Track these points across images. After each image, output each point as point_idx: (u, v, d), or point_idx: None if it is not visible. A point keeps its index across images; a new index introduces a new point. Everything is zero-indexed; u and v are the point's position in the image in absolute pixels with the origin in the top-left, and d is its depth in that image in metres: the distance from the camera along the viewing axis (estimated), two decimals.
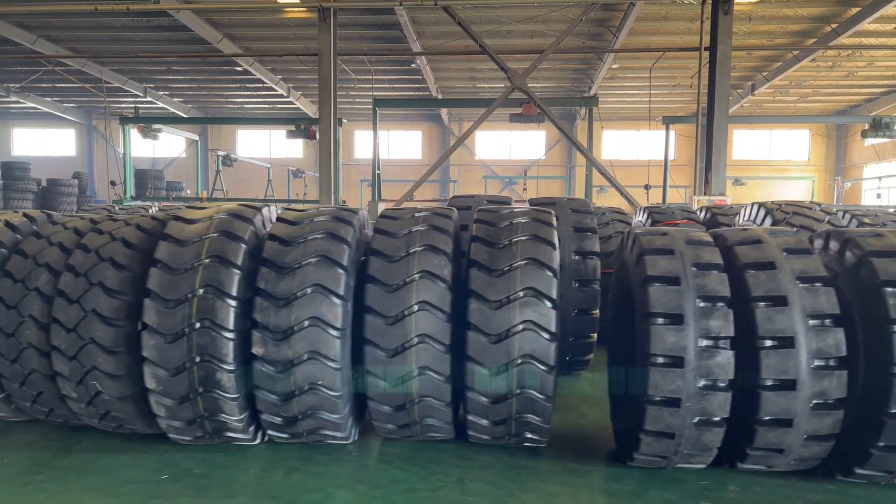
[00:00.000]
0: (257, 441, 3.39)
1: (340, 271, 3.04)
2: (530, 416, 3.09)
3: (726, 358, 2.73)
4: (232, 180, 31.80)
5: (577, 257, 4.71)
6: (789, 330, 2.71)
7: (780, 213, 4.77)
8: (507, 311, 2.99)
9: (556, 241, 3.19)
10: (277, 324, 2.97)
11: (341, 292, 3.02)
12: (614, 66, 25.25)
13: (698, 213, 6.36)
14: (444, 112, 34.58)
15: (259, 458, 3.30)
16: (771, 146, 36.71)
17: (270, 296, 3.01)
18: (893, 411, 2.63)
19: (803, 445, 2.80)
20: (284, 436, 3.27)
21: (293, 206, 5.82)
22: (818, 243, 3.21)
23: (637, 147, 37.01)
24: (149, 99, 28.90)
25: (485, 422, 3.15)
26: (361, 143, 37.11)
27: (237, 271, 3.05)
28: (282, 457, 3.30)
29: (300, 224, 3.23)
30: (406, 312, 3.02)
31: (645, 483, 3.04)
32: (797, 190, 35.04)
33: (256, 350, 3.00)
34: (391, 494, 2.90)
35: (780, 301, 2.76)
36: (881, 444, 2.69)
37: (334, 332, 2.99)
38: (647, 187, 24.60)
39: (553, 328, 2.98)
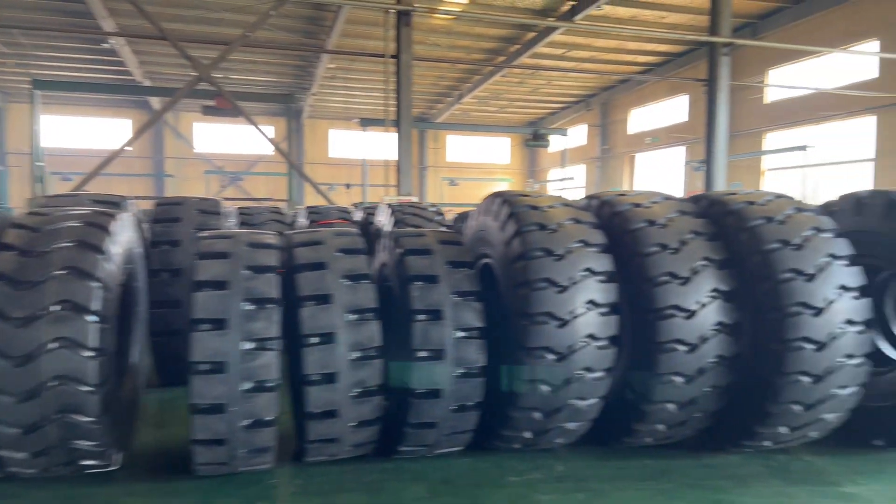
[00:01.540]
0: None
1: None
2: (80, 441, 2.81)
3: (269, 359, 2.78)
4: None
5: None
6: (330, 326, 2.87)
7: (399, 214, 5.21)
8: (34, 328, 2.65)
9: (107, 246, 2.94)
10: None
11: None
12: (331, 65, 25.58)
13: (356, 213, 6.63)
14: (155, 100, 31.43)
15: None
16: (480, 150, 40.84)
17: None
18: (419, 392, 2.95)
19: (353, 432, 3.00)
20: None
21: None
22: (384, 243, 3.48)
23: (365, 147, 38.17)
24: None
25: (22, 455, 2.78)
26: (205, 134, 32.81)
27: None
28: None
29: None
30: None
31: (209, 492, 2.98)
32: (503, 188, 39.59)
33: None
34: None
35: (324, 299, 2.91)
36: (413, 421, 3.02)
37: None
38: (347, 186, 25.69)
39: (95, 343, 2.73)
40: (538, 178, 40.00)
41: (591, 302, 2.97)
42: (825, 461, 3.36)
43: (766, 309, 2.99)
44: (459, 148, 40.10)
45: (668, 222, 3.19)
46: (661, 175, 28.97)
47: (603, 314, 2.99)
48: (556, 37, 22.77)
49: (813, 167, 20.39)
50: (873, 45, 18.19)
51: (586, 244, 3.08)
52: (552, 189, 36.88)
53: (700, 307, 2.98)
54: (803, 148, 18.67)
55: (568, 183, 36.39)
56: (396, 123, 12.32)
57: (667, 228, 3.16)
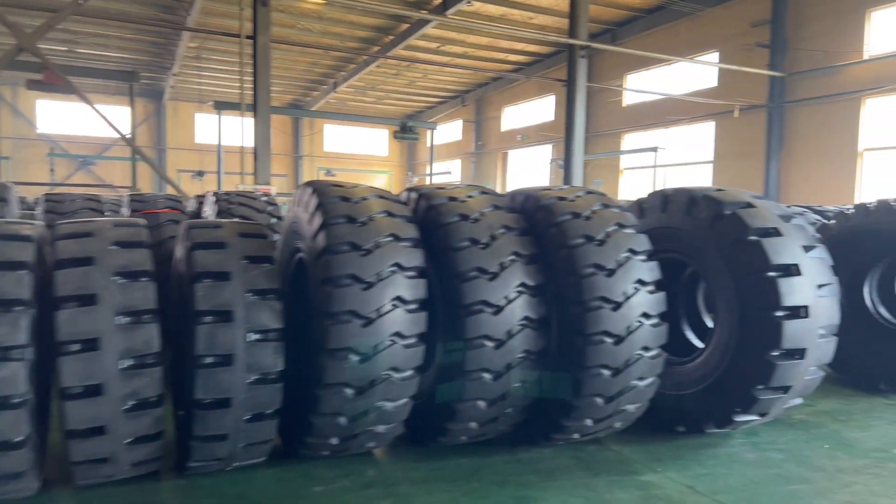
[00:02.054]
0: None
1: None
2: None
3: (13, 370, 2.38)
4: None
5: None
6: (94, 331, 2.50)
7: (224, 203, 4.83)
8: None
9: None
10: None
11: None
12: (192, 44, 23.96)
13: (189, 202, 6.10)
14: None
15: None
16: (359, 142, 40.21)
17: None
18: (198, 399, 2.67)
19: (129, 449, 2.66)
20: None
21: None
22: (179, 235, 3.14)
23: (241, 133, 36.28)
24: None
25: None
26: (50, 113, 28.56)
27: None
28: None
29: None
30: None
31: None
32: (379, 182, 39.28)
33: None
34: None
35: (88, 300, 2.54)
36: (200, 434, 2.73)
37: None
38: (199, 174, 24.67)
39: None
40: (417, 172, 40.13)
41: (399, 299, 2.83)
42: (631, 450, 3.47)
43: (569, 303, 3.00)
44: (338, 138, 39.24)
45: (480, 217, 3.12)
46: (532, 172, 30.05)
47: (411, 311, 2.86)
48: (429, 30, 22.81)
49: (663, 167, 21.98)
50: (714, 56, 19.88)
51: (397, 238, 2.94)
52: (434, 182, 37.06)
53: (507, 302, 2.94)
54: (654, 149, 20.04)
55: (445, 178, 36.79)
56: (253, 108, 11.65)
57: (478, 224, 3.08)
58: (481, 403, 3.02)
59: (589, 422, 3.15)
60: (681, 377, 3.67)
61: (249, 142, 14.52)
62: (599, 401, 3.05)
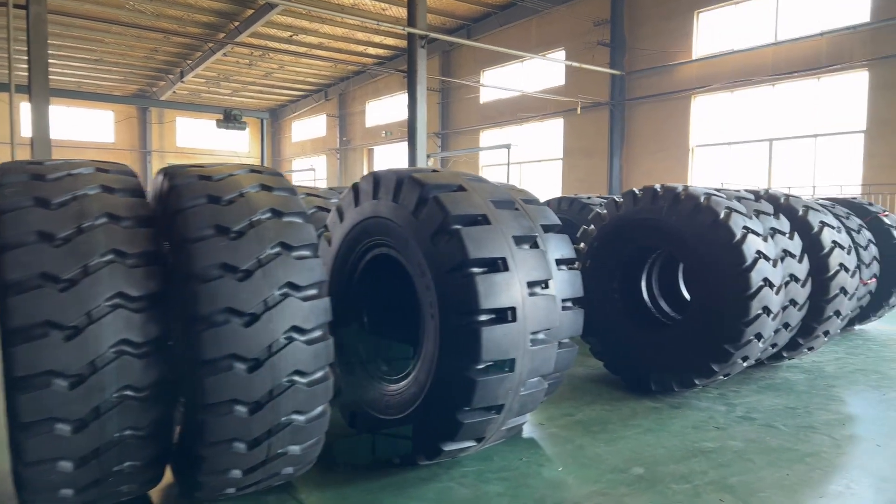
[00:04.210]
0: None
1: None
2: None
3: None
4: None
5: None
6: None
7: None
8: None
9: None
10: None
11: None
12: None
13: None
14: None
15: None
16: (217, 137, 37.61)
17: None
18: None
19: None
20: None
21: None
22: None
23: (87, 128, 32.79)
24: None
25: None
26: None
27: None
28: None
29: None
30: None
31: None
32: None
33: None
34: None
35: None
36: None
37: None
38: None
39: None
40: (282, 168, 38.27)
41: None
42: (320, 496, 2.77)
43: (187, 319, 2.23)
44: (193, 133, 36.49)
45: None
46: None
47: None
48: (277, 17, 21.49)
49: (518, 164, 22.12)
50: (561, 54, 20.21)
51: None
52: (299, 180, 35.46)
53: (89, 322, 2.11)
54: (508, 146, 20.07)
55: (308, 174, 35.33)
56: (28, 90, 9.97)
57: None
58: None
59: (236, 473, 2.39)
60: (391, 399, 3.02)
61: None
62: (240, 446, 2.30)
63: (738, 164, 16.32)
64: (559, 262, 3.38)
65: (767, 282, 3.93)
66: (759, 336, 3.98)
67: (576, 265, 3.46)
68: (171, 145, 35.65)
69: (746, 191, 5.00)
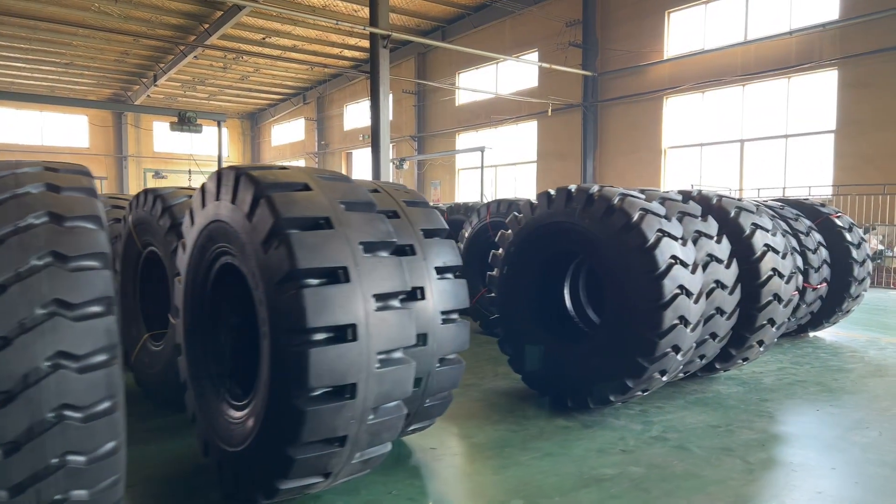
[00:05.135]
0: None
1: None
2: None
3: None
4: None
5: None
6: None
7: None
8: None
9: None
10: None
11: None
12: None
13: None
14: None
15: None
16: (194, 141, 37.15)
17: None
18: None
19: None
20: None
21: None
22: None
23: (42, 132, 32.20)
24: None
25: None
26: None
27: None
28: None
29: None
30: None
31: None
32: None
33: None
34: None
35: None
36: None
37: None
38: None
39: None
40: None
41: None
42: None
43: None
44: (171, 138, 35.96)
45: None
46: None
47: None
48: (247, 19, 21.13)
49: (493, 167, 21.83)
50: (535, 56, 19.94)
51: None
52: None
53: None
54: (482, 149, 19.77)
55: None
56: None
57: None
58: None
59: None
60: (235, 427, 2.67)
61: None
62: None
63: (710, 166, 16.07)
64: (439, 270, 3.05)
65: (684, 289, 3.60)
66: (675, 348, 3.65)
67: (457, 273, 3.11)
68: (149, 150, 35.16)
69: (679, 192, 4.69)
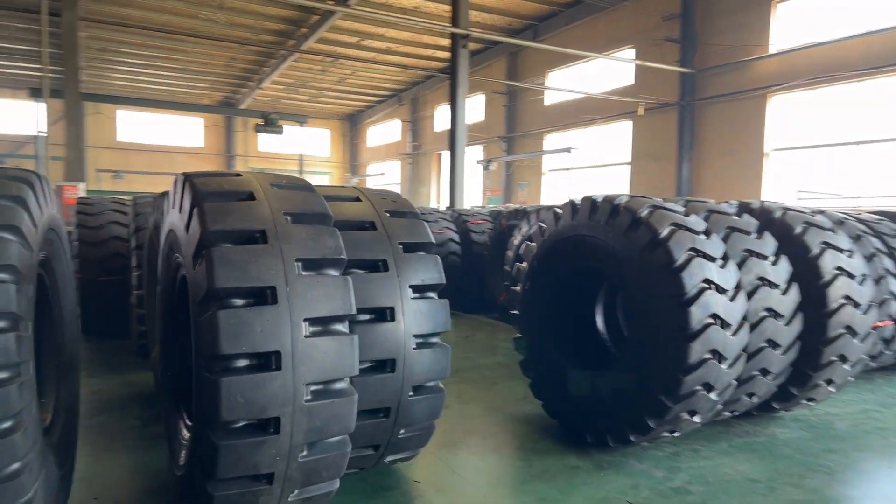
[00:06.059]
0: None
1: None
2: None
3: None
4: None
5: None
6: None
7: None
8: None
9: None
10: None
11: None
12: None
13: None
14: None
15: None
16: (299, 141, 38.71)
17: None
18: None
19: None
20: None
21: None
22: None
23: (166, 132, 34.84)
24: None
25: None
26: None
27: None
28: None
29: None
30: None
31: None
32: (323, 180, 37.85)
33: None
34: None
35: None
36: None
37: None
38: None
39: None
40: (358, 173, 38.86)
41: None
42: None
43: None
44: (274, 137, 37.71)
45: None
46: (468, 173, 28.91)
47: None
48: (340, 22, 21.63)
49: (583, 169, 21.04)
50: (630, 53, 18.96)
51: None
52: (371, 184, 35.87)
53: None
54: (568, 150, 19.07)
55: (378, 179, 35.65)
56: (63, 95, 10.34)
57: None
58: None
59: None
60: (181, 450, 2.51)
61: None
62: None
63: (820, 171, 14.51)
64: (416, 288, 2.75)
65: (718, 318, 3.08)
66: (707, 386, 3.13)
67: (436, 293, 2.80)
68: (254, 150, 37.04)
69: (739, 203, 4.10)
